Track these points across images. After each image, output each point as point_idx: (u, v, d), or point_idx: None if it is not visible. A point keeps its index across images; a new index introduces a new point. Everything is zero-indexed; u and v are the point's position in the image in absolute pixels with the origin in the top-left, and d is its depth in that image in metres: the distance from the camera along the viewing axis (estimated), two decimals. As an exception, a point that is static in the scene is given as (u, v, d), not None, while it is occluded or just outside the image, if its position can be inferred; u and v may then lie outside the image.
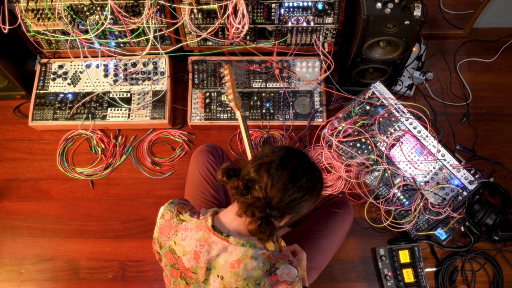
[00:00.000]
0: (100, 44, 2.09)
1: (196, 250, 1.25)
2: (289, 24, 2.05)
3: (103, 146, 2.20)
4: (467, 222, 1.94)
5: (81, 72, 2.21)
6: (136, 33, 2.04)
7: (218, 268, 1.22)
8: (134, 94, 2.17)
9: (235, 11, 1.88)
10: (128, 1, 1.92)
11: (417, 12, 1.70)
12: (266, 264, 1.21)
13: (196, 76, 2.20)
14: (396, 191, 1.94)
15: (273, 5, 1.96)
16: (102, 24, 1.96)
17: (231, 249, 1.23)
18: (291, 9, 1.98)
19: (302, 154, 1.29)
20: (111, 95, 2.17)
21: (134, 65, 2.21)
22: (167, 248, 1.30)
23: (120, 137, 2.21)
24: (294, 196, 1.19)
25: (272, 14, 2.00)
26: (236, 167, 1.28)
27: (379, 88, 2.03)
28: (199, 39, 2.10)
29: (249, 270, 1.19)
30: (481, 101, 2.29)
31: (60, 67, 2.22)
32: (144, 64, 2.20)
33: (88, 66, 2.21)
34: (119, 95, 2.17)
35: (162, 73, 2.19)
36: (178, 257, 1.27)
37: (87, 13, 1.99)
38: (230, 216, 1.28)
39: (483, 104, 2.28)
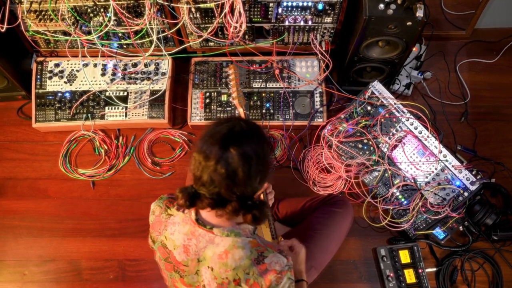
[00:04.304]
0: (102, 45, 2.07)
1: (185, 244, 1.25)
2: (286, 23, 2.03)
3: (106, 148, 2.19)
4: (466, 222, 1.94)
5: (77, 71, 2.19)
6: (140, 35, 2.03)
7: (207, 260, 1.23)
8: (131, 92, 2.16)
9: (231, 10, 1.87)
10: (129, 1, 1.91)
11: (420, 13, 1.69)
12: (254, 252, 1.20)
13: (196, 76, 2.19)
14: (395, 190, 1.94)
15: (271, 4, 1.95)
16: (106, 25, 1.94)
17: (217, 240, 1.22)
18: (290, 9, 1.97)
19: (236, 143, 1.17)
20: (107, 94, 2.15)
21: (135, 65, 2.19)
22: (160, 243, 1.31)
23: (121, 137, 2.21)
24: (256, 179, 1.16)
25: (269, 13, 1.98)
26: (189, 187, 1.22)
27: (377, 87, 2.03)
28: (200, 39, 2.09)
29: (237, 260, 1.19)
30: (480, 101, 2.29)
31: (56, 65, 2.20)
32: (146, 65, 2.19)
33: (85, 65, 2.19)
34: (116, 93, 2.16)
35: (163, 74, 2.18)
36: (170, 251, 1.28)
37: (91, 15, 1.97)
38: (211, 213, 1.25)
39: (482, 104, 2.29)
